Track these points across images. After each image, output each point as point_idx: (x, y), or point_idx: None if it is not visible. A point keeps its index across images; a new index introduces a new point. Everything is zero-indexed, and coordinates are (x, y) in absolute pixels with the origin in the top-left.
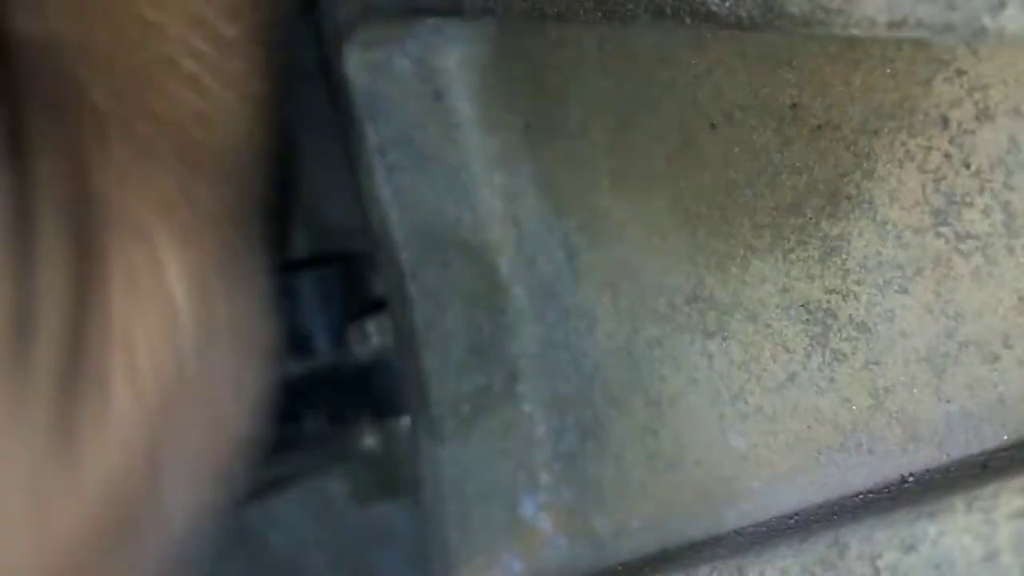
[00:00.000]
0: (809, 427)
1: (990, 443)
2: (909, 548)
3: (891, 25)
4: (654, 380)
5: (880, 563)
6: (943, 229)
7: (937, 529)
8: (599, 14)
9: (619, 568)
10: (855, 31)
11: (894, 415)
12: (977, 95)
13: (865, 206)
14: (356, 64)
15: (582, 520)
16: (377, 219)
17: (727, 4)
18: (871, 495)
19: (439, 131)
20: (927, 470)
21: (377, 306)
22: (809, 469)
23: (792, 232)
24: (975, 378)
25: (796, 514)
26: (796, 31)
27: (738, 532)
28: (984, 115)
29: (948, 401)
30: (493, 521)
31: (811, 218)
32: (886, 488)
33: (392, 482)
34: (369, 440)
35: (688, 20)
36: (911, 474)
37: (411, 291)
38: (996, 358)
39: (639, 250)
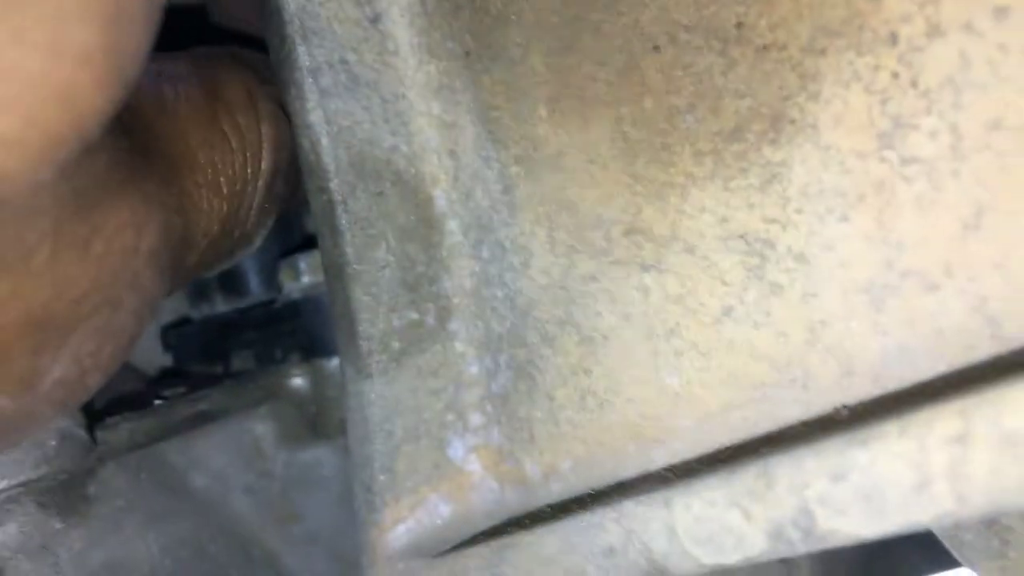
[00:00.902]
0: (744, 363)
1: (926, 375)
2: (838, 477)
3: None
4: (589, 316)
5: (808, 493)
6: (887, 153)
7: (868, 457)
8: None
9: (547, 508)
10: None
11: (830, 349)
12: (929, 9)
13: (809, 130)
14: None
15: (513, 462)
16: (307, 144)
17: None
18: (803, 427)
19: (375, 56)
20: (862, 402)
21: (310, 243)
22: (742, 405)
23: (733, 159)
24: (914, 309)
25: (726, 448)
26: None
27: (668, 469)
28: (935, 31)
29: (885, 334)
30: (421, 462)
31: (753, 144)
32: (818, 420)
33: (321, 424)
34: (298, 380)
35: None
36: (844, 405)
37: (342, 221)
38: (936, 288)
39: (577, 181)
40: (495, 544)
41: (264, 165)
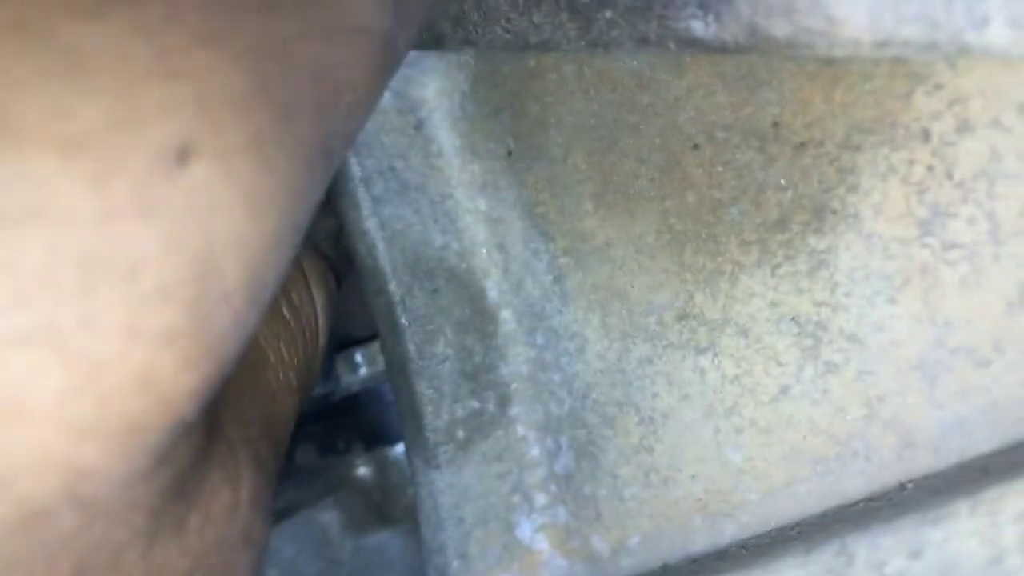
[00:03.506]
0: (804, 438)
1: (984, 447)
2: (915, 554)
3: (875, 45)
4: (647, 397)
5: (887, 570)
6: (929, 239)
7: (942, 534)
8: (583, 43)
9: None
10: (839, 52)
11: (888, 423)
12: (957, 108)
13: (851, 220)
14: None
15: (580, 539)
16: (364, 250)
17: (712, 29)
18: (872, 503)
19: (421, 161)
20: (926, 476)
21: (363, 339)
22: (806, 479)
23: (779, 247)
24: (967, 384)
25: (798, 524)
26: (779, 52)
27: (741, 545)
28: (965, 127)
29: (941, 407)
30: (491, 544)
31: (797, 233)
32: (886, 495)
33: (386, 510)
34: (362, 469)
35: (672, 46)
36: (910, 480)
37: (402, 320)
38: (988, 363)
39: (626, 270)
40: None
41: (321, 338)
